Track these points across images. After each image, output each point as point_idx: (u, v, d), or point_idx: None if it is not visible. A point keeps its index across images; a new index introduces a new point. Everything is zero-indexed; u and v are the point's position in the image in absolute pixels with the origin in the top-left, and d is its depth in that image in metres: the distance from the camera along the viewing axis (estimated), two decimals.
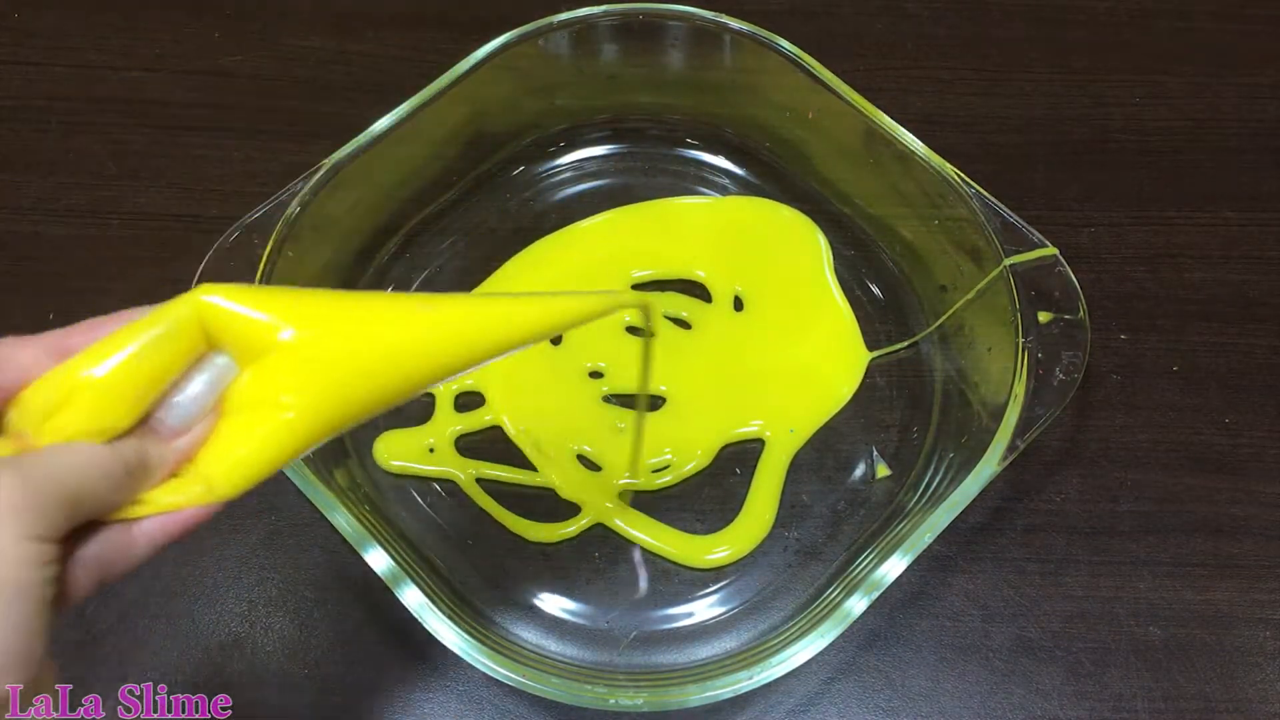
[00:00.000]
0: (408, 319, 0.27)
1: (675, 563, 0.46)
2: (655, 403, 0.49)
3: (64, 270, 0.52)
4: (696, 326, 0.52)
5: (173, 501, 0.24)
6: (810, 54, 0.51)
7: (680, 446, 0.48)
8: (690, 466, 0.48)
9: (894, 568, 0.40)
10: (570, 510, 0.47)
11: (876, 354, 0.51)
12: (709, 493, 0.48)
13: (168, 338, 0.24)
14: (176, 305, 0.25)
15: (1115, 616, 0.45)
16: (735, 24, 0.52)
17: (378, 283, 0.52)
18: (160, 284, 0.41)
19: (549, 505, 0.47)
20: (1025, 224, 0.47)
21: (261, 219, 0.45)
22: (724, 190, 0.56)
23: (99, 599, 0.44)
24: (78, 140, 0.57)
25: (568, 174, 0.57)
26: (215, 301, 0.25)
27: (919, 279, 0.52)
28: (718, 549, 0.46)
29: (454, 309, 0.28)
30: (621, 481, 0.47)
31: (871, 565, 0.40)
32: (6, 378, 0.24)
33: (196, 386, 0.25)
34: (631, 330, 0.49)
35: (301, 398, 0.25)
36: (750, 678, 0.38)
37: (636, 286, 0.53)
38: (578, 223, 0.55)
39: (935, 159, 0.48)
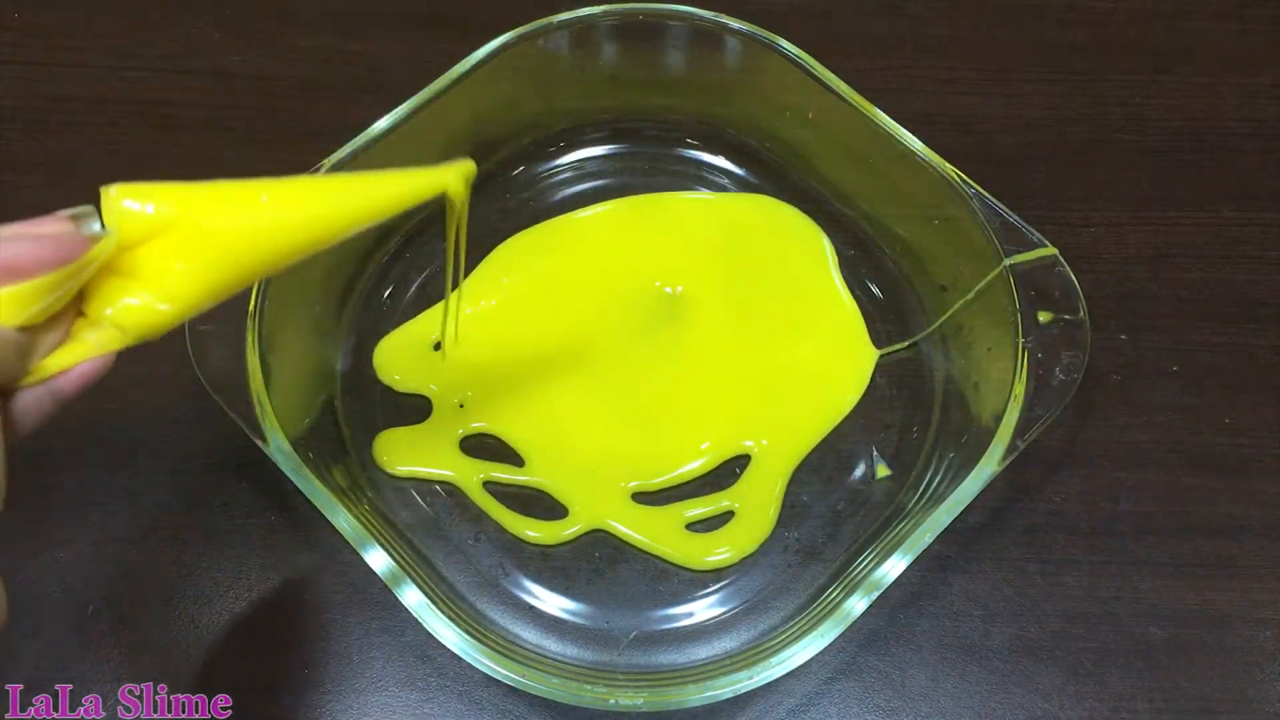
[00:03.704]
0: (279, 197, 0.32)
1: (675, 564, 0.46)
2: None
3: None
4: (698, 327, 0.52)
5: (61, 363, 0.29)
6: (810, 54, 0.51)
7: (682, 450, 0.48)
8: (693, 467, 0.48)
9: (894, 568, 0.40)
10: (570, 511, 0.47)
11: (884, 351, 0.51)
12: (709, 493, 0.48)
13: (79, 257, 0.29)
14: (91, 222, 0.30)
15: (1115, 616, 0.45)
16: (735, 24, 0.52)
17: (378, 283, 0.52)
18: None
19: (549, 505, 0.47)
20: (1025, 224, 0.47)
21: None
22: (724, 190, 0.56)
23: (99, 600, 0.45)
24: (78, 140, 0.57)
25: (568, 174, 0.57)
26: (127, 206, 0.30)
27: (919, 279, 0.52)
28: (718, 550, 0.46)
29: (315, 187, 0.34)
30: (629, 483, 0.47)
31: (871, 565, 0.40)
32: None
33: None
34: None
35: (190, 261, 0.30)
36: (750, 678, 0.38)
37: (635, 285, 0.53)
38: (575, 212, 0.55)
39: (935, 159, 0.48)
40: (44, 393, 0.29)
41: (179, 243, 0.30)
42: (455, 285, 0.43)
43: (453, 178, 0.37)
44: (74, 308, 0.30)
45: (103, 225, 0.30)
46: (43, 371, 0.29)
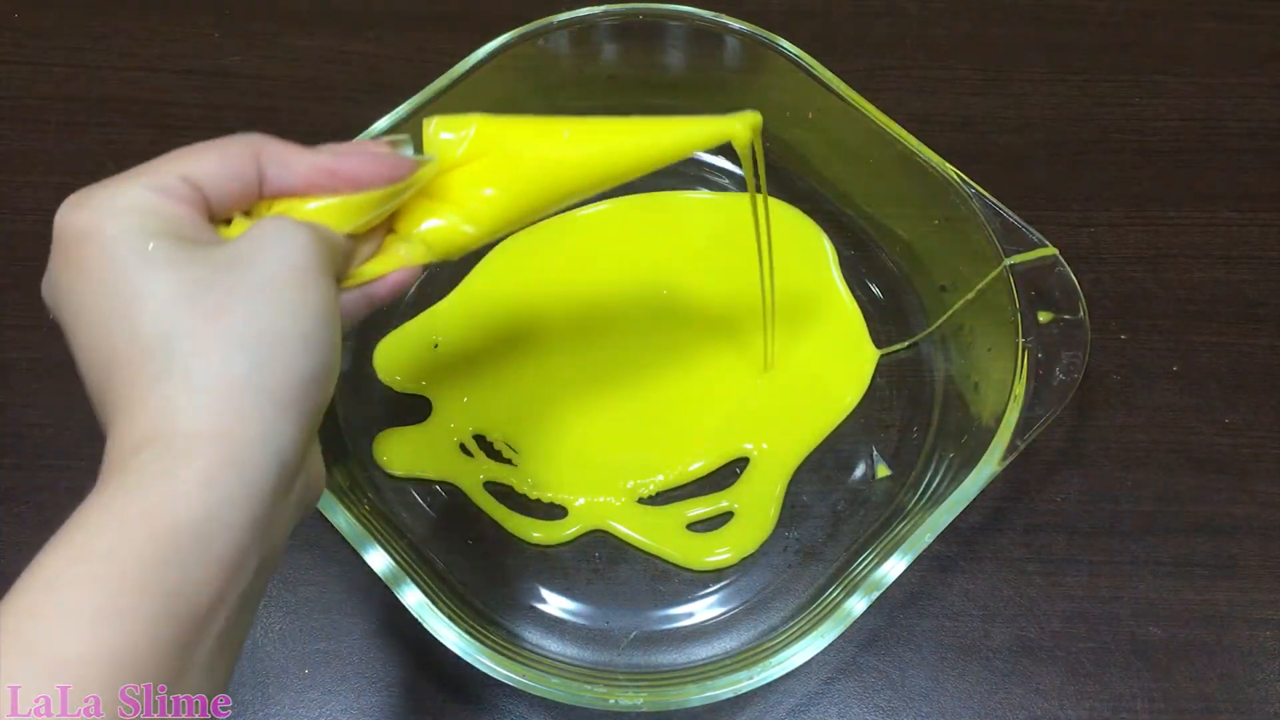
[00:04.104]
0: (580, 133, 0.35)
1: (675, 564, 0.46)
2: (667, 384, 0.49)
3: None
4: (698, 327, 0.52)
5: (375, 270, 0.32)
6: (810, 54, 0.51)
7: (682, 451, 0.48)
8: (693, 469, 0.48)
9: (894, 568, 0.40)
10: (570, 511, 0.47)
11: (884, 351, 0.51)
12: (709, 493, 0.48)
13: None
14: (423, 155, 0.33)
15: (1115, 616, 0.45)
16: (735, 24, 0.52)
17: None
18: None
19: (549, 505, 0.47)
20: (1025, 224, 0.47)
21: None
22: (724, 190, 0.56)
23: None
24: (78, 140, 0.57)
25: None
26: (444, 137, 0.33)
27: (919, 279, 0.52)
28: (718, 550, 0.46)
29: (610, 127, 0.36)
30: (629, 484, 0.47)
31: (871, 565, 0.40)
32: (286, 180, 0.29)
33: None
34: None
35: (496, 187, 0.34)
36: (750, 678, 0.38)
37: (636, 284, 0.53)
38: (575, 210, 0.55)
39: (935, 159, 0.48)
40: (360, 295, 0.32)
41: (487, 170, 0.33)
42: (764, 234, 0.44)
43: (740, 127, 0.38)
44: (387, 223, 0.33)
45: (415, 151, 0.32)
46: (360, 276, 0.31)
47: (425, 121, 0.33)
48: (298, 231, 0.28)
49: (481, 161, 0.33)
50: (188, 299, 0.26)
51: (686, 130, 0.37)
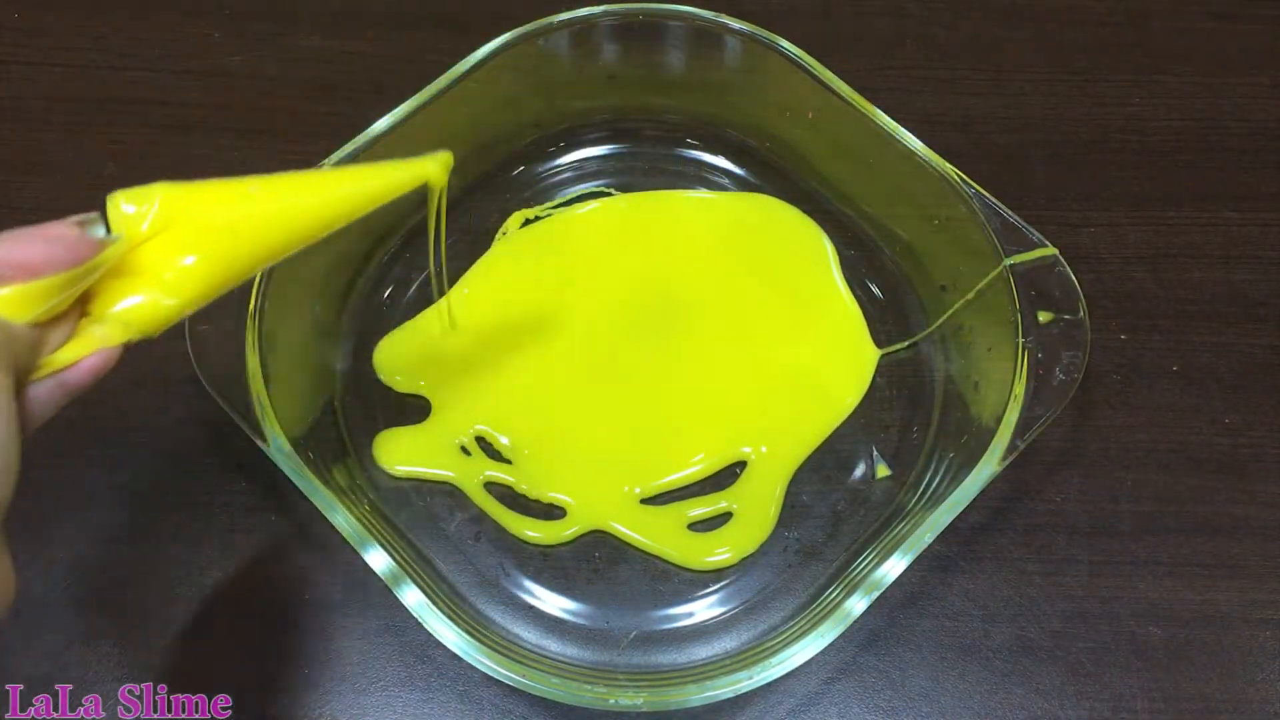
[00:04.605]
0: (268, 190, 0.34)
1: (675, 564, 0.46)
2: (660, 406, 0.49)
3: None
4: (698, 327, 0.52)
5: (68, 357, 0.30)
6: (810, 54, 0.51)
7: (682, 452, 0.48)
8: (692, 471, 0.48)
9: (894, 568, 0.40)
10: (569, 511, 0.47)
11: (884, 351, 0.51)
12: (709, 493, 0.48)
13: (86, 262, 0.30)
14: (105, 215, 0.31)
15: (1115, 616, 0.45)
16: (735, 24, 0.52)
17: (378, 283, 0.52)
18: None
19: (548, 505, 0.47)
20: (1025, 224, 0.47)
21: None
22: (724, 190, 0.56)
23: (99, 600, 0.45)
24: (78, 140, 0.57)
25: (568, 174, 0.57)
26: (126, 210, 0.31)
27: (919, 279, 0.52)
28: (718, 550, 0.46)
29: (302, 181, 0.35)
30: (629, 484, 0.47)
31: (871, 565, 0.40)
32: None
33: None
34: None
35: (188, 255, 0.32)
36: (750, 678, 0.38)
37: (635, 284, 0.53)
38: (575, 207, 0.55)
39: (935, 159, 0.48)
40: (54, 385, 0.30)
41: (177, 240, 0.32)
42: (440, 273, 0.45)
43: (434, 168, 0.39)
44: (79, 306, 0.31)
45: (107, 229, 0.31)
46: (52, 365, 0.30)
47: (109, 197, 0.31)
48: None
49: (171, 231, 0.32)
50: None
51: (379, 177, 0.36)
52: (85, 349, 0.30)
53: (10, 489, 0.27)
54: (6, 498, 0.27)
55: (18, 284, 0.28)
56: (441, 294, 0.48)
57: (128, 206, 0.31)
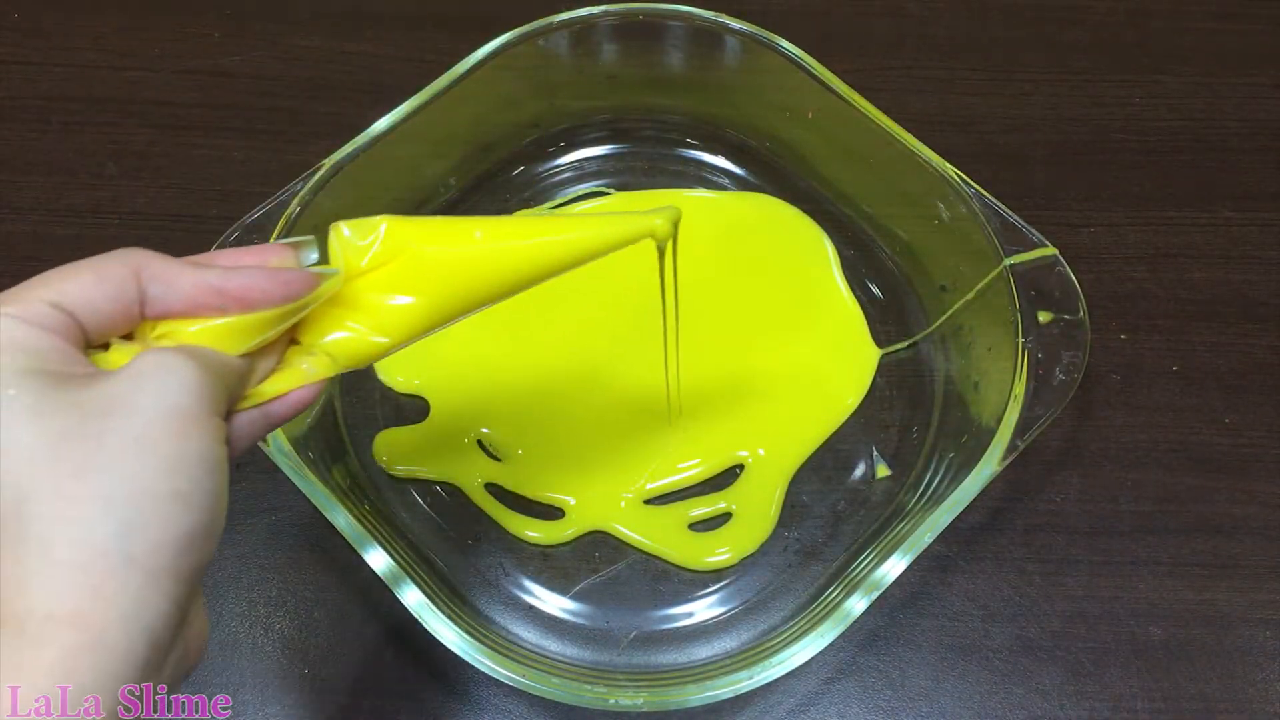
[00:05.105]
0: (492, 234, 0.33)
1: (675, 564, 0.46)
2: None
3: None
4: (698, 327, 0.51)
5: (276, 389, 0.29)
6: (810, 54, 0.51)
7: (681, 453, 0.48)
8: (692, 473, 0.48)
9: (894, 568, 0.40)
10: (569, 511, 0.47)
11: (884, 351, 0.51)
12: (709, 494, 0.48)
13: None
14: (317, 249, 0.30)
15: (1115, 616, 0.45)
16: (735, 24, 0.52)
17: None
18: None
19: (548, 506, 0.47)
20: (1025, 224, 0.47)
21: (261, 219, 0.45)
22: (724, 190, 0.56)
23: None
24: (78, 140, 0.57)
25: (568, 174, 0.57)
26: (348, 238, 0.31)
27: (919, 279, 0.52)
28: (718, 550, 0.46)
29: (526, 227, 0.34)
30: (629, 484, 0.47)
31: (871, 565, 0.40)
32: (169, 302, 0.27)
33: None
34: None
35: (408, 294, 0.31)
36: (750, 678, 0.38)
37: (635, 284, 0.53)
38: (575, 205, 0.55)
39: (935, 159, 0.48)
40: (259, 415, 0.29)
41: (396, 276, 0.31)
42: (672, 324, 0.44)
43: (661, 224, 0.37)
44: (288, 333, 0.30)
45: (320, 255, 0.30)
46: (259, 396, 0.29)
47: (332, 227, 0.31)
48: (181, 368, 0.25)
49: (391, 266, 0.31)
50: (50, 454, 0.23)
51: (606, 230, 0.35)
52: (293, 383, 0.29)
53: (215, 541, 0.25)
54: (211, 551, 0.25)
55: (233, 315, 0.27)
56: (671, 361, 0.45)
57: (351, 236, 0.31)
